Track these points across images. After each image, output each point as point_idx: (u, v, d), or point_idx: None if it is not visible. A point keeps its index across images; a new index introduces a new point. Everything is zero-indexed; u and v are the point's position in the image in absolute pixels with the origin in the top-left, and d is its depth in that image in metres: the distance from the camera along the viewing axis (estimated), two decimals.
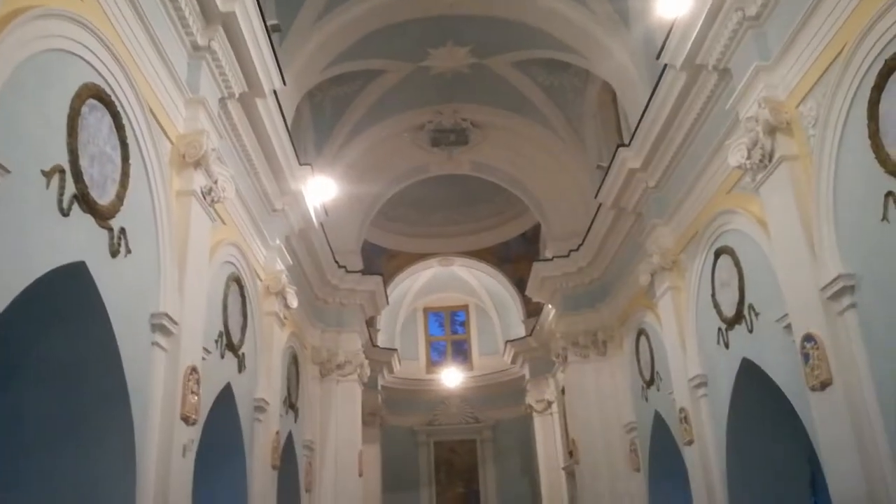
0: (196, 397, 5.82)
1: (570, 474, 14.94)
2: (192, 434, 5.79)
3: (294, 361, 10.77)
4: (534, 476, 18.31)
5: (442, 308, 21.41)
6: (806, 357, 5.68)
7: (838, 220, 5.45)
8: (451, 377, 19.38)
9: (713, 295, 7.87)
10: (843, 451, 5.30)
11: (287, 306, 9.51)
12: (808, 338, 5.64)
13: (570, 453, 14.27)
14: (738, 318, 7.28)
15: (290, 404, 10.29)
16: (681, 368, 8.70)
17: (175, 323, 5.60)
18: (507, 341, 18.56)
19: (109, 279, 4.74)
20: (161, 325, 5.42)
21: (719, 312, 7.72)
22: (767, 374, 6.78)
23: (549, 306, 14.13)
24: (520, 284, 18.13)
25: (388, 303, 14.73)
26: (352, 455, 12.37)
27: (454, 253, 18.53)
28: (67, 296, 4.48)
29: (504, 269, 18.46)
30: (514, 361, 18.58)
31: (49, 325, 4.56)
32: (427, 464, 19.31)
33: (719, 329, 7.74)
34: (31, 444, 4.68)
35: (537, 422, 17.78)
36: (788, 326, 6.13)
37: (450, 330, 21.49)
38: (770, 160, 6.13)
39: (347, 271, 12.86)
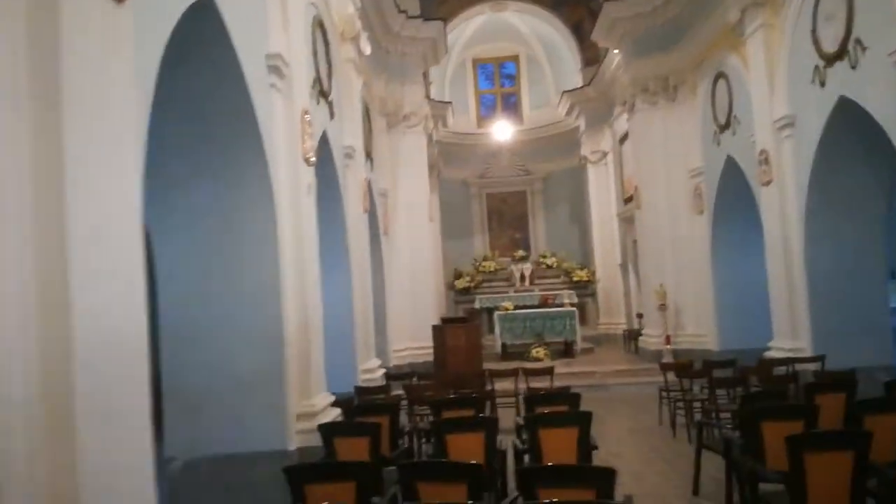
0: (311, 140, 6.02)
1: (626, 220, 15.53)
2: (312, 175, 6.09)
3: (366, 112, 10.87)
4: (584, 223, 19.07)
5: (491, 59, 20.82)
6: None
7: None
8: (503, 130, 19.40)
9: (813, 30, 7.54)
10: None
11: (360, 53, 9.40)
12: None
13: (628, 199, 14.72)
14: (841, 53, 7.03)
15: (367, 153, 10.58)
16: (766, 110, 8.61)
17: (286, 64, 5.63)
18: (562, 92, 18.21)
19: (231, 18, 4.68)
20: (276, 67, 5.45)
21: (818, 49, 7.45)
22: (867, 110, 6.71)
23: (615, 52, 13.65)
24: (577, 30, 17.40)
25: (447, 51, 14.37)
26: (421, 202, 12.98)
27: None
28: (201, 34, 4.48)
29: (560, 14, 17.56)
30: (568, 113, 18.43)
31: (185, 65, 4.61)
32: (480, 213, 20.14)
33: (816, 67, 7.53)
34: (181, 180, 4.99)
35: (591, 172, 18.10)
36: None
37: (499, 83, 21.09)
38: None
39: (408, 17, 12.44)
